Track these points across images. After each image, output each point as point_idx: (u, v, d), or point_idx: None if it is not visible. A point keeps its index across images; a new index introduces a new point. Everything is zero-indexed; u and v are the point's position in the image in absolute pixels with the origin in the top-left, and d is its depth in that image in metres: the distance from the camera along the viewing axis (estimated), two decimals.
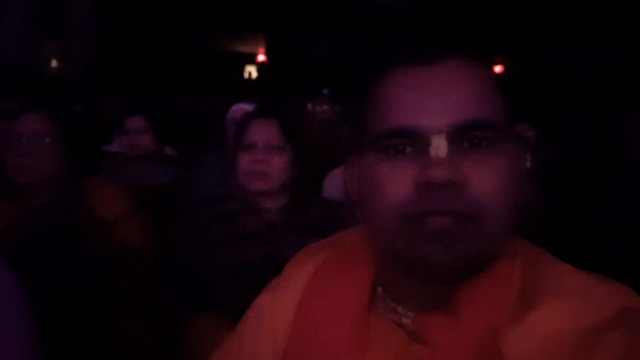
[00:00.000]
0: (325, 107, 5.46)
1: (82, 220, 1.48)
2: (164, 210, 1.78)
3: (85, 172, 1.59)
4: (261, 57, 13.12)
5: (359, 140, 0.65)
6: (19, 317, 0.61)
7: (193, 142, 3.30)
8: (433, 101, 0.58)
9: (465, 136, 0.57)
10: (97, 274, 1.36)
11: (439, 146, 0.57)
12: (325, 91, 6.14)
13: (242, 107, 2.64)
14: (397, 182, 0.58)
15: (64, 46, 11.18)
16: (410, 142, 0.58)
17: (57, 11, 11.02)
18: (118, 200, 1.61)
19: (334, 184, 2.32)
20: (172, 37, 12.46)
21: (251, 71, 13.33)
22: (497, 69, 10.12)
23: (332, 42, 12.15)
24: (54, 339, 0.73)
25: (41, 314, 0.66)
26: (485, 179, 0.56)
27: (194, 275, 1.44)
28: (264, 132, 1.56)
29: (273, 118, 1.59)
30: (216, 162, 2.54)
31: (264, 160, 1.53)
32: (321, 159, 2.54)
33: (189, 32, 12.48)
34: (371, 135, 0.62)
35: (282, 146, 1.56)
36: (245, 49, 13.23)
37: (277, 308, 0.71)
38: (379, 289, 0.67)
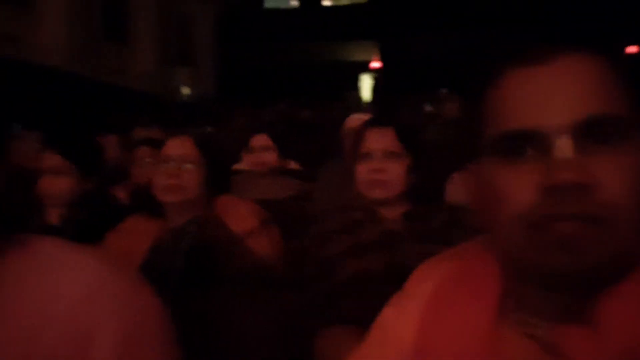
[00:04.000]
0: (447, 105, 5.31)
1: (217, 235, 1.58)
2: (289, 223, 1.84)
3: (221, 190, 1.70)
4: (375, 64, 13.14)
5: (476, 145, 0.64)
6: (158, 332, 0.66)
7: (315, 154, 3.39)
8: (554, 100, 0.55)
9: (590, 134, 0.54)
10: (232, 287, 1.45)
11: (564, 146, 0.53)
12: (444, 90, 5.98)
13: (359, 117, 2.68)
14: (520, 187, 0.55)
15: (191, 73, 12.08)
16: (531, 144, 0.56)
17: (183, 40, 11.93)
18: (249, 215, 1.70)
19: (457, 188, 2.26)
20: (286, 52, 12.95)
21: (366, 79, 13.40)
22: (632, 49, 9.25)
23: (447, 39, 11.86)
24: (189, 352, 0.79)
25: (178, 329, 0.71)
26: (616, 179, 0.52)
27: (321, 286, 1.47)
28: (380, 141, 1.56)
29: (389, 126, 1.59)
30: (337, 173, 2.59)
31: (381, 168, 1.53)
32: (443, 162, 2.49)
33: (302, 46, 12.89)
34: (489, 139, 0.60)
35: (399, 153, 1.55)
36: (358, 57, 13.34)
37: (402, 323, 0.71)
38: (508, 300, 0.64)
